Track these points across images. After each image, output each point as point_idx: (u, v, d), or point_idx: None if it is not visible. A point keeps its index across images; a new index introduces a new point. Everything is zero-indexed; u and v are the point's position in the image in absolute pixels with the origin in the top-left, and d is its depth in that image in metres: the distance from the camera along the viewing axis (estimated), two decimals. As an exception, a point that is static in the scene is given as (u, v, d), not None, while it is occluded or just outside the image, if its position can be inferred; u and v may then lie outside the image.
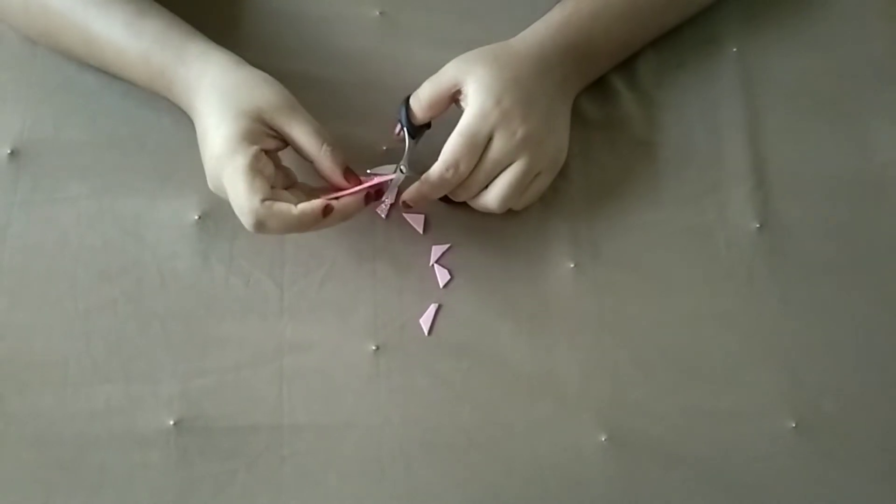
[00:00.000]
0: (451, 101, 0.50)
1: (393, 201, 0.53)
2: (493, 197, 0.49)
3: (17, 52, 0.55)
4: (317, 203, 0.44)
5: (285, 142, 0.47)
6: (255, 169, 0.44)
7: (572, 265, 0.53)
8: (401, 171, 0.50)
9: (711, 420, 0.50)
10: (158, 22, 0.50)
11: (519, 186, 0.48)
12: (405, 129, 0.51)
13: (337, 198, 0.47)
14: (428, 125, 0.51)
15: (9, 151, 0.53)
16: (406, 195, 0.49)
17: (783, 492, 0.49)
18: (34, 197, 0.52)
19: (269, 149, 0.46)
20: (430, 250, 0.53)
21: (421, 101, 0.50)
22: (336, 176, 0.47)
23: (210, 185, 0.47)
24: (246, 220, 0.44)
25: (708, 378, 0.51)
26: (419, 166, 0.49)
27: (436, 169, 0.47)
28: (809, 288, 0.53)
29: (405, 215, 0.53)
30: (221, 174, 0.44)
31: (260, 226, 0.44)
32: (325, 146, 0.46)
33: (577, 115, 0.54)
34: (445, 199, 0.51)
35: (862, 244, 0.55)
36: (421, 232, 0.53)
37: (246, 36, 0.57)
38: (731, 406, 0.51)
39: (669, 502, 0.49)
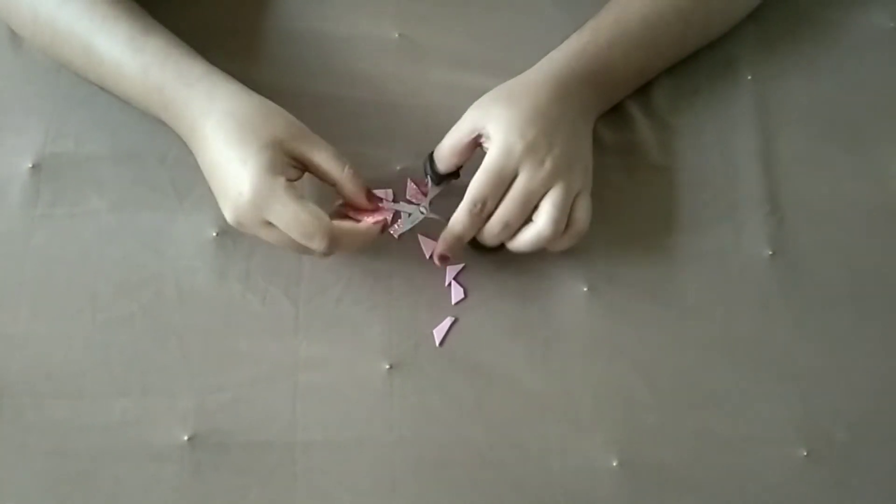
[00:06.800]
0: (474, 147, 0.50)
1: (406, 230, 0.52)
2: (542, 222, 0.47)
3: (39, 67, 0.56)
4: (377, 222, 0.48)
5: (304, 170, 0.47)
6: (299, 195, 0.44)
7: (586, 288, 0.53)
8: (421, 211, 0.51)
9: (723, 447, 0.50)
10: (161, 40, 0.49)
11: (564, 207, 0.47)
12: (429, 177, 0.51)
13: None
14: (456, 175, 0.51)
15: (30, 165, 0.53)
16: (439, 248, 0.49)
17: (794, 520, 0.49)
18: (55, 211, 0.53)
19: (291, 179, 0.46)
20: (445, 270, 0.53)
21: (442, 150, 0.50)
22: (359, 198, 0.48)
23: (233, 221, 0.46)
24: (318, 243, 0.44)
25: (720, 404, 0.51)
26: (443, 211, 0.50)
27: (462, 208, 0.47)
28: (823, 315, 0.54)
29: (419, 237, 0.53)
30: (265, 211, 0.44)
31: (334, 243, 0.44)
32: (346, 169, 0.47)
33: (592, 140, 0.54)
34: (480, 248, 0.50)
35: (876, 272, 0.55)
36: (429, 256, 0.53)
37: (264, 56, 0.58)
38: (744, 433, 0.51)
39: (680, 527, 0.49)
